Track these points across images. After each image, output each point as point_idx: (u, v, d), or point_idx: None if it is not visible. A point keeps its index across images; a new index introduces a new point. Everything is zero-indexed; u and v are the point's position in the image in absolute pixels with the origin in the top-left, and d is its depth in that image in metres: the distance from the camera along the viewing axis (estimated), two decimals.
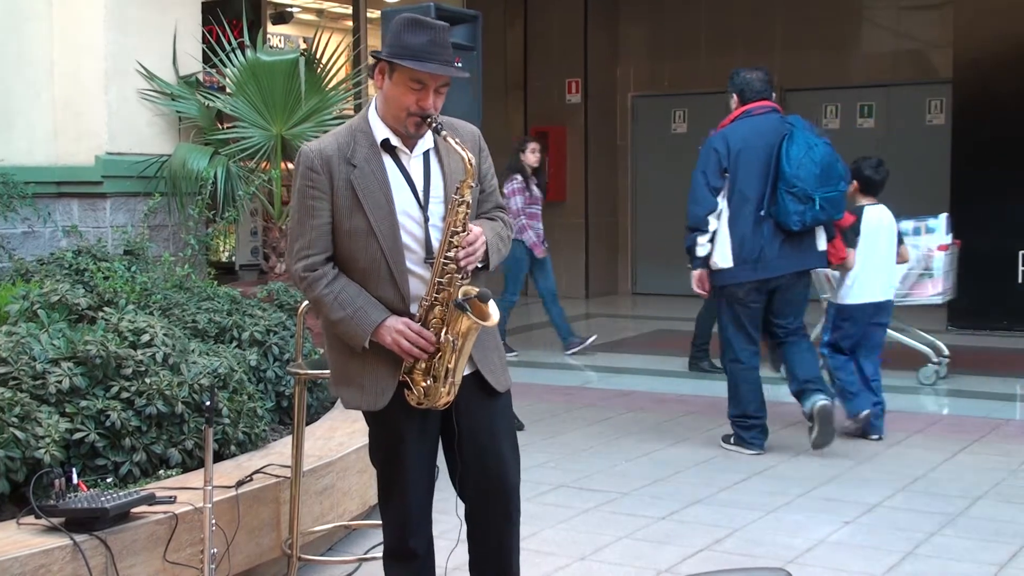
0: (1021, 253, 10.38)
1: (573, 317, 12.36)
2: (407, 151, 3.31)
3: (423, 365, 3.24)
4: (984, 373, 8.68)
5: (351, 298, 3.24)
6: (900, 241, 6.93)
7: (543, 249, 9.47)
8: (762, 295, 6.18)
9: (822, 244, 6.25)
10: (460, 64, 6.29)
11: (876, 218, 6.62)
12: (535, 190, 9.55)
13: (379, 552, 4.03)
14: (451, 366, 3.21)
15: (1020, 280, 10.36)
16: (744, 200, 6.06)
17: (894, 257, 6.75)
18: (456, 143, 3.21)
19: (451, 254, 3.19)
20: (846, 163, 6.30)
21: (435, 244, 3.24)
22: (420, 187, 3.29)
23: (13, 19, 6.98)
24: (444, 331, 3.20)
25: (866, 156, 6.88)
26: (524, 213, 9.36)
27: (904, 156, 12.99)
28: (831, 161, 6.04)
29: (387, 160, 3.28)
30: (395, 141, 3.29)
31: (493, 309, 3.22)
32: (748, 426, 6.36)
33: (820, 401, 6.15)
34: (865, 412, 6.49)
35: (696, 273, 6.22)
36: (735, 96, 6.36)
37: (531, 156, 9.49)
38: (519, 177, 9.44)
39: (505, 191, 9.38)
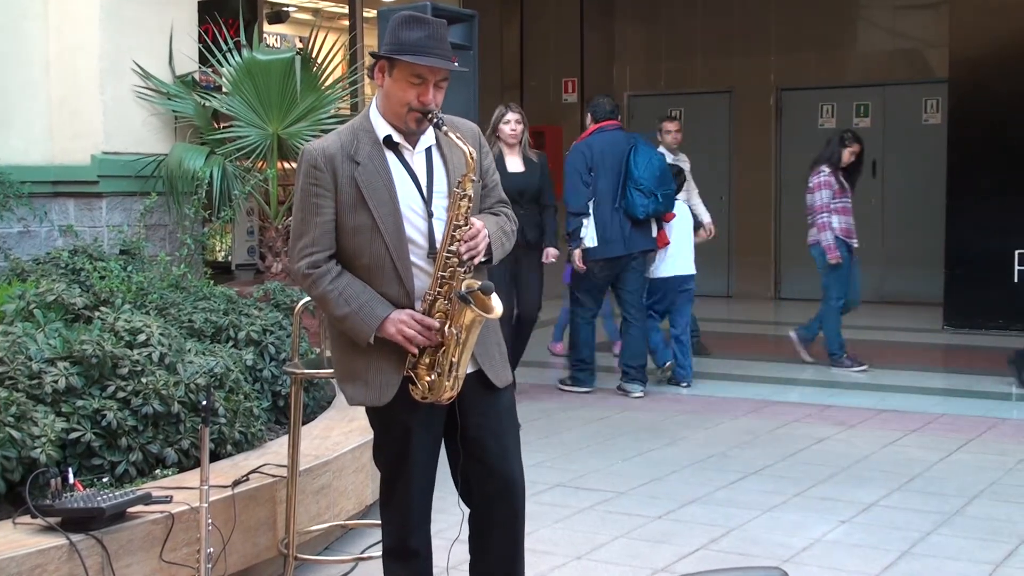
0: (1017, 252, 10.37)
1: None
2: (409, 147, 3.33)
3: (427, 360, 3.24)
4: (980, 372, 8.69)
5: (356, 294, 3.25)
6: (697, 227, 8.77)
7: (837, 255, 8.65)
8: (614, 269, 7.88)
9: (654, 232, 7.97)
10: (457, 63, 6.32)
11: (678, 211, 8.26)
12: (843, 182, 8.76)
13: (375, 551, 4.04)
14: (455, 359, 3.22)
15: (1016, 279, 10.36)
16: (603, 196, 7.77)
17: (692, 241, 8.44)
18: (457, 137, 3.24)
19: (453, 248, 3.20)
20: None
21: (439, 239, 3.25)
22: (423, 182, 3.31)
23: (9, 18, 6.97)
24: (448, 324, 3.21)
25: (671, 163, 8.77)
26: (830, 208, 8.66)
27: (900, 155, 13.03)
28: (665, 168, 7.96)
29: (390, 156, 3.30)
30: (397, 137, 3.31)
31: (496, 301, 3.22)
32: (582, 368, 8.12)
33: (635, 393, 7.95)
34: (668, 363, 8.27)
35: (577, 252, 7.77)
36: (590, 115, 8.29)
37: (847, 155, 8.74)
38: (827, 169, 8.73)
39: (811, 183, 8.81)
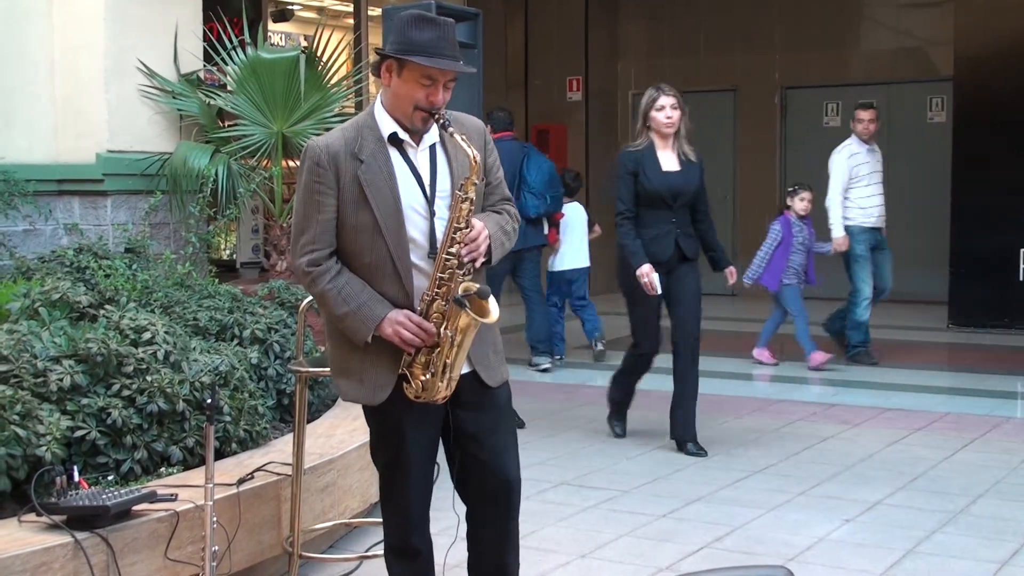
0: (1022, 251, 10.37)
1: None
2: (414, 145, 3.33)
3: (422, 359, 3.25)
4: (985, 371, 8.67)
5: (355, 293, 3.25)
6: (591, 225, 9.54)
7: None
8: (512, 262, 8.60)
9: (545, 230, 9.00)
10: (462, 62, 6.32)
11: (573, 212, 9.35)
12: None
13: (380, 550, 4.04)
14: (450, 361, 3.23)
15: (1021, 278, 10.36)
16: None
17: (587, 238, 9.42)
18: (462, 139, 3.23)
19: (453, 250, 3.20)
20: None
21: (439, 238, 3.25)
22: (427, 181, 3.31)
23: (13, 17, 6.98)
24: (444, 326, 3.21)
25: (568, 169, 10.22)
26: None
27: (905, 154, 13.01)
28: (553, 173, 8.92)
29: (394, 154, 3.30)
30: (402, 135, 3.30)
31: (492, 306, 3.23)
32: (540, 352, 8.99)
33: (543, 365, 8.90)
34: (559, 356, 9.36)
35: None
36: (488, 127, 8.83)
37: None
38: None
39: None
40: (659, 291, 6.14)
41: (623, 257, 6.23)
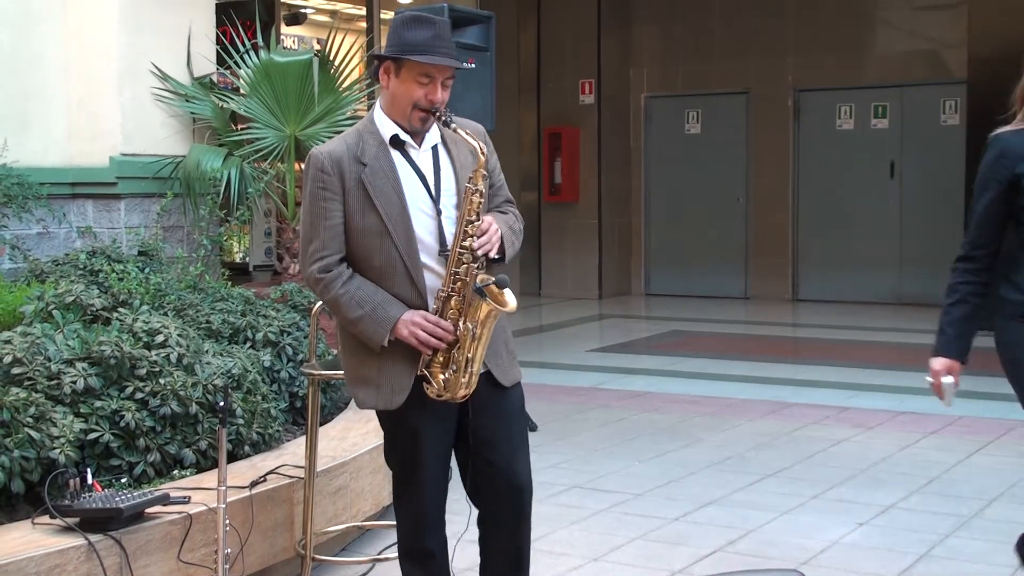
0: None
1: (586, 318, 12.37)
2: (416, 146, 3.34)
3: (441, 357, 3.25)
4: (999, 374, 8.62)
5: (368, 295, 3.25)
6: None
7: None
8: None
9: None
10: (473, 64, 6.32)
11: None
12: None
13: (392, 552, 4.05)
14: (471, 356, 3.23)
15: None
16: None
17: None
18: (465, 133, 3.25)
19: (466, 244, 3.21)
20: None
21: (448, 237, 3.26)
22: (431, 180, 3.32)
23: (27, 20, 7.00)
24: (462, 320, 3.21)
25: None
26: None
27: (918, 156, 12.98)
28: None
29: (396, 156, 3.31)
30: (404, 136, 3.31)
31: (510, 295, 3.23)
32: None
33: None
34: None
35: None
36: None
37: None
38: None
39: None
40: (948, 404, 3.86)
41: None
